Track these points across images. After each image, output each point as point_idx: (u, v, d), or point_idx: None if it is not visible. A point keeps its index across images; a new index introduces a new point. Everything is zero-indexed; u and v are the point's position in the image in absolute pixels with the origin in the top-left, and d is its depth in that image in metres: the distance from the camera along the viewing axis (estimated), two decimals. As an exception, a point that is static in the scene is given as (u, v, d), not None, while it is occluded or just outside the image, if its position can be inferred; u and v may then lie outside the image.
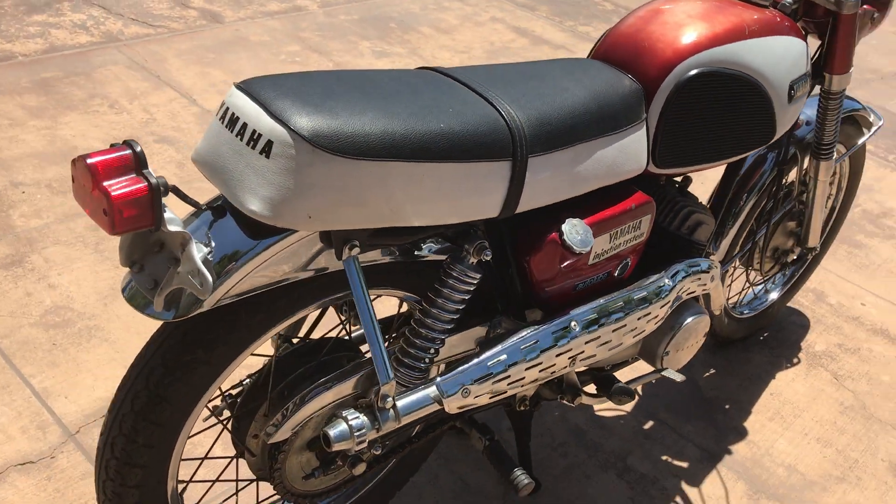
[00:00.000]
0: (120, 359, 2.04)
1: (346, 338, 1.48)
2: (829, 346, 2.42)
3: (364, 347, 1.50)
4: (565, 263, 1.41)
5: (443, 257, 1.34)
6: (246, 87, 1.13)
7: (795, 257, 2.20)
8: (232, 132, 1.10)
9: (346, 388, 1.33)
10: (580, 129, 1.34)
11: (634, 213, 1.49)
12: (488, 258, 1.31)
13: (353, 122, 1.10)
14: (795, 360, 2.36)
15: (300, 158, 1.06)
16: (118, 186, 0.99)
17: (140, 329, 2.14)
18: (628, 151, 1.44)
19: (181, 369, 1.19)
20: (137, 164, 1.02)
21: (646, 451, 2.00)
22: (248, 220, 1.14)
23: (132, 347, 2.08)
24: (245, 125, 1.09)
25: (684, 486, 1.93)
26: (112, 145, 1.04)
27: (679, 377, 1.68)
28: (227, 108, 1.12)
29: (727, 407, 2.17)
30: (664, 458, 1.99)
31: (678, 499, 1.90)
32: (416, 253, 1.32)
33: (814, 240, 2.12)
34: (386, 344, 1.32)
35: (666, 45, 1.49)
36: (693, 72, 1.48)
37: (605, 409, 2.11)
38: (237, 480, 1.53)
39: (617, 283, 1.56)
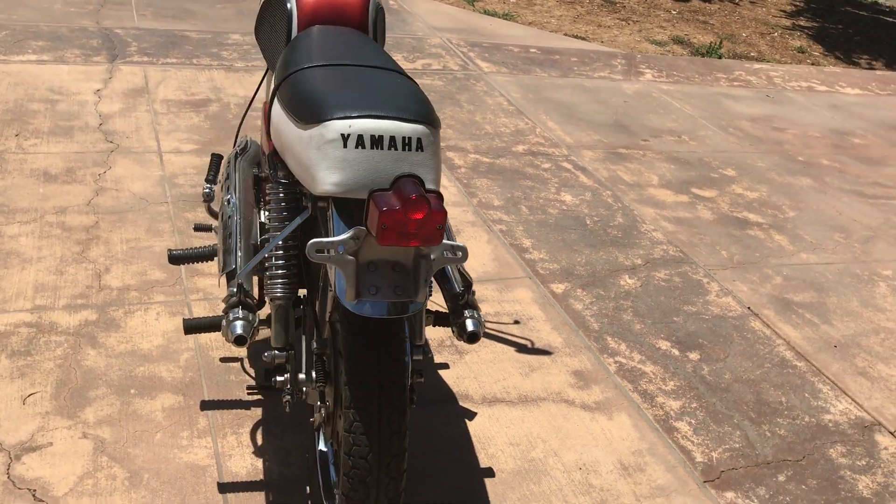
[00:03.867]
0: None
1: None
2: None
3: None
4: None
5: None
6: (353, 111, 1.33)
7: None
8: (382, 148, 1.32)
9: None
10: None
11: None
12: None
13: (420, 103, 1.44)
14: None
15: (435, 139, 1.39)
16: (435, 205, 1.21)
17: None
18: None
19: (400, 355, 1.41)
20: (422, 185, 1.22)
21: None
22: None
23: None
24: (393, 137, 1.33)
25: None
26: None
27: None
28: (361, 136, 1.32)
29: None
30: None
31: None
32: None
33: None
34: None
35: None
36: (372, 7, 2.00)
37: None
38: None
39: None
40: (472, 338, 1.65)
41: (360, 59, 1.65)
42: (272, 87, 1.67)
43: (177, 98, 3.88)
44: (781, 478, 2.17)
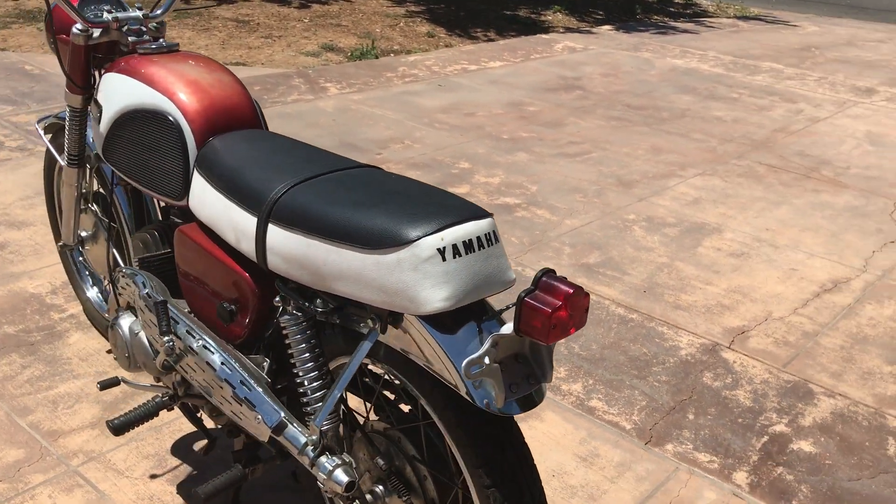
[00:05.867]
0: None
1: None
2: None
3: None
4: None
5: None
6: (434, 223, 1.31)
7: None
8: (474, 251, 1.32)
9: None
10: None
11: None
12: None
13: (459, 197, 1.45)
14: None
15: (496, 227, 1.41)
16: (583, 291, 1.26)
17: None
18: None
19: (522, 438, 1.43)
20: (554, 273, 1.25)
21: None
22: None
23: None
24: (479, 238, 1.33)
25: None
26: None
27: None
28: (455, 245, 1.30)
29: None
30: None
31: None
32: None
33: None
34: None
35: (239, 98, 1.84)
36: (257, 104, 1.90)
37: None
38: None
39: None
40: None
41: (331, 163, 1.59)
42: (251, 214, 1.53)
43: None
44: (690, 416, 2.53)
